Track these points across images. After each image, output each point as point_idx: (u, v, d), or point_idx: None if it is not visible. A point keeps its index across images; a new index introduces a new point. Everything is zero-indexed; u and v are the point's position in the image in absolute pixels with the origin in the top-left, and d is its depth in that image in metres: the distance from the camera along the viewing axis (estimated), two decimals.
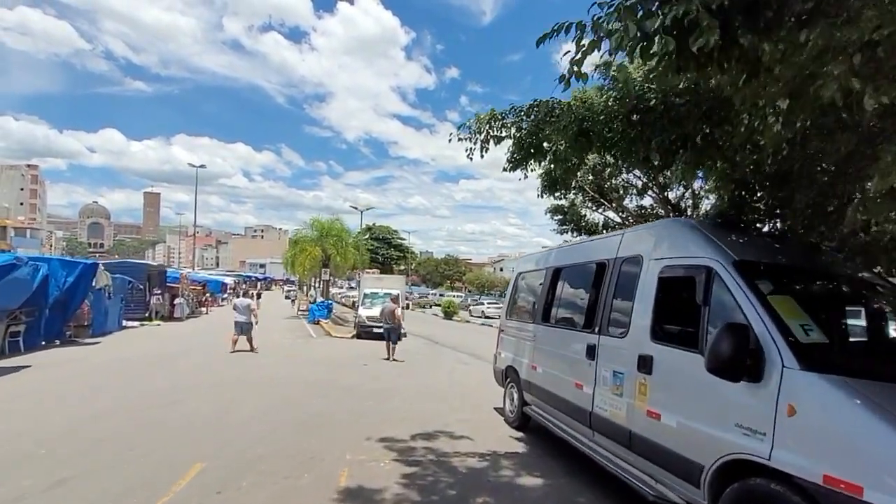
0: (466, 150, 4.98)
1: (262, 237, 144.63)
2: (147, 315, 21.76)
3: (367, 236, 65.56)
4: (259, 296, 23.74)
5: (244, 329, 12.35)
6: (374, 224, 70.52)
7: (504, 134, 4.91)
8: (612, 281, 4.43)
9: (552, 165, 5.16)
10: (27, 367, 9.86)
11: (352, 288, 36.01)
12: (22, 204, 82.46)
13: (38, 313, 12.83)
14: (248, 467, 4.34)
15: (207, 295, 31.98)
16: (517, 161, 4.99)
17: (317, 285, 29.98)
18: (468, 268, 79.23)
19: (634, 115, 4.12)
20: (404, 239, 69.96)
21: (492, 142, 4.90)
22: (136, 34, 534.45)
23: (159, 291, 23.27)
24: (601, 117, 4.19)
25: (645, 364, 3.64)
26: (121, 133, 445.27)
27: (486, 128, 4.85)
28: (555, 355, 5.28)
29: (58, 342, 13.51)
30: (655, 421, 3.47)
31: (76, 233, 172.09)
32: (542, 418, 5.37)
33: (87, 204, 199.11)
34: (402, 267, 66.36)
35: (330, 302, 25.24)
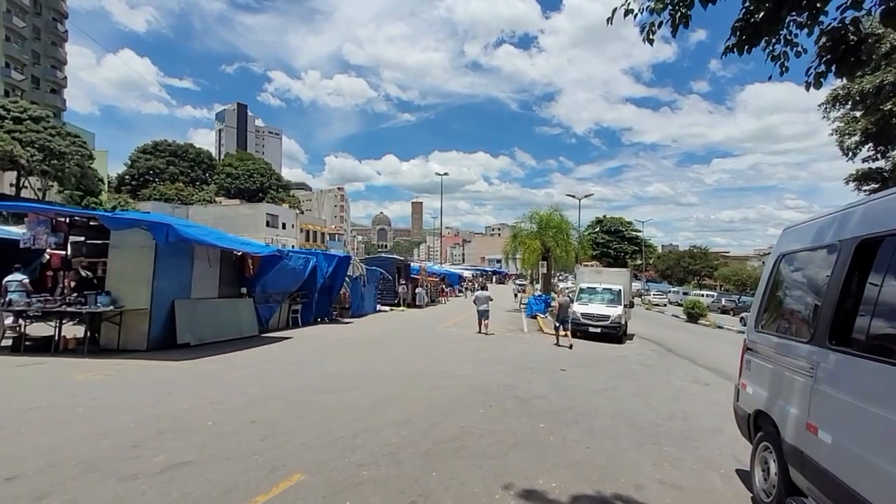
0: (642, 30, 2.80)
1: (499, 235, 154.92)
2: (396, 301, 25.49)
3: (596, 229, 61.37)
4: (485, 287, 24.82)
5: (483, 316, 14.82)
6: (604, 217, 65.47)
7: None
8: None
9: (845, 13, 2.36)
10: (289, 338, 12.20)
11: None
12: (336, 217, 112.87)
13: (310, 296, 16.16)
14: (338, 494, 3.45)
15: (444, 286, 35.89)
16: (756, 30, 2.47)
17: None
18: (723, 261, 63.94)
19: None
20: (640, 231, 62.03)
21: (698, 1, 2.59)
22: (404, 76, 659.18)
23: (404, 282, 27.05)
24: None
25: None
26: (395, 157, 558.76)
27: None
28: (869, 417, 2.51)
29: (326, 319, 16.81)
30: None
31: (370, 237, 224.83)
32: None
33: (376, 215, 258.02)
34: (639, 262, 58.85)
35: (548, 296, 23.90)
